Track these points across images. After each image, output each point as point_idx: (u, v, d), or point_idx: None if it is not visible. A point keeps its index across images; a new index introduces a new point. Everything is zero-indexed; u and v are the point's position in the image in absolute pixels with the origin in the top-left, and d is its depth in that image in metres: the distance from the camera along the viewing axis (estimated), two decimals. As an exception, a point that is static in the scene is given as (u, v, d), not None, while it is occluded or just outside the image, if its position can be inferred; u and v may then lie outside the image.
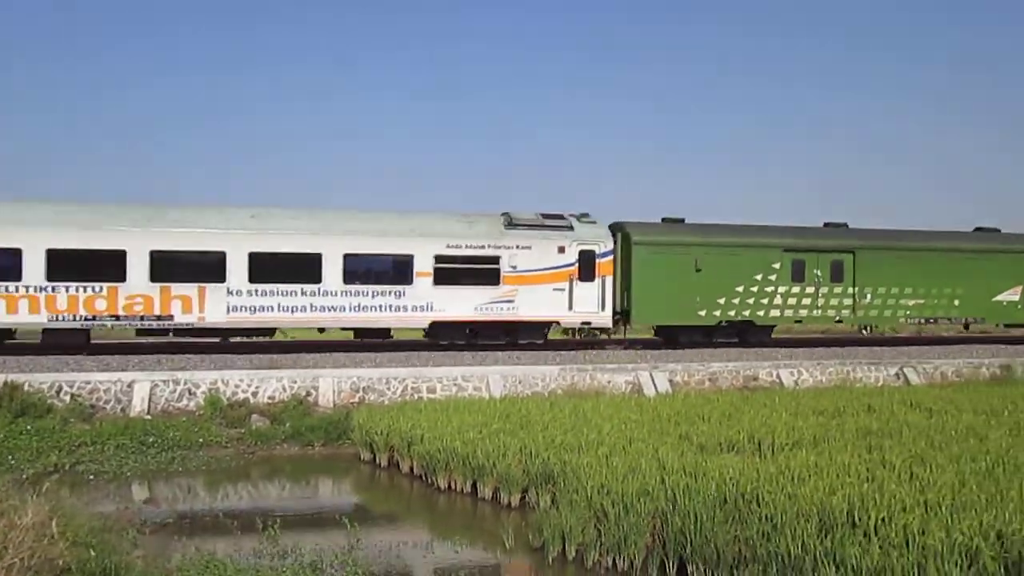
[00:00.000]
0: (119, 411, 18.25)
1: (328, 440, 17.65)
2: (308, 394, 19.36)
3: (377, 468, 15.98)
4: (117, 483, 14.67)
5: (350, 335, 25.04)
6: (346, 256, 23.07)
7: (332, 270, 22.92)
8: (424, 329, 24.44)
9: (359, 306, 23.20)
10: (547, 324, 25.23)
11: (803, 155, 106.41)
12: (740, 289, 26.51)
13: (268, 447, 17.43)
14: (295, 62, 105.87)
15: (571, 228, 25.21)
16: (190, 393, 18.88)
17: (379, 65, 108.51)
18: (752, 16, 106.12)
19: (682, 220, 27.53)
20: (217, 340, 24.14)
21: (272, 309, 22.55)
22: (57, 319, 21.26)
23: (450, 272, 23.85)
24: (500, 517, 12.40)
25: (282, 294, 22.58)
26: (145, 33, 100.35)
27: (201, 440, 17.19)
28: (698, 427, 14.55)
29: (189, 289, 21.99)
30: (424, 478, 14.66)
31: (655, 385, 21.31)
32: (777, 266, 26.87)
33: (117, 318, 21.70)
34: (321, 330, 24.21)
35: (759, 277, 26.70)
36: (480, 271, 24.15)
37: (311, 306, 22.80)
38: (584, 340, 28.17)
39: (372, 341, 25.02)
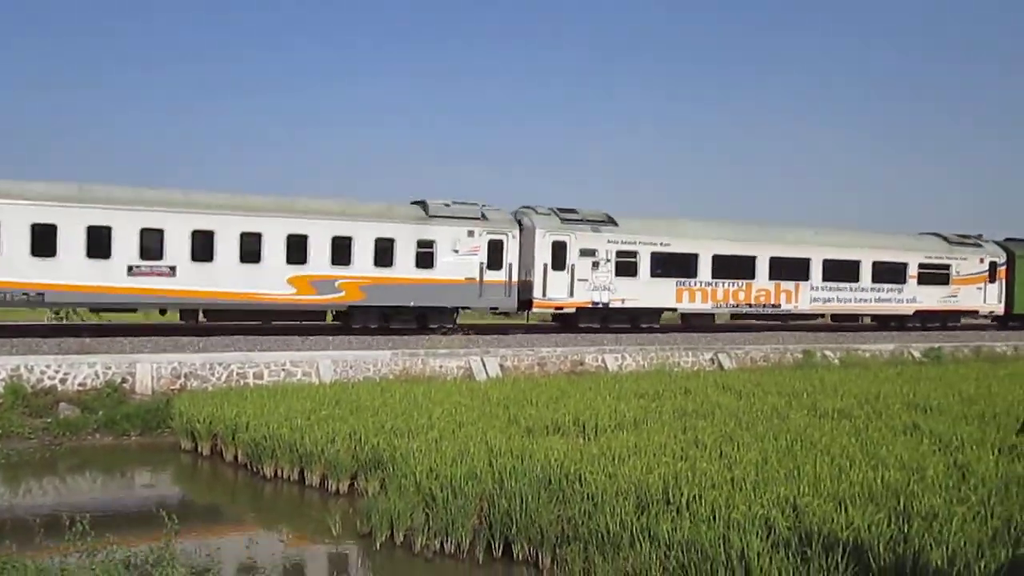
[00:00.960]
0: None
1: (146, 429, 16.76)
2: (124, 380, 18.28)
3: (199, 458, 15.36)
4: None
5: (176, 319, 23.92)
6: (874, 263, 33.14)
7: (865, 273, 32.93)
8: (908, 316, 34.63)
9: (878, 299, 33.41)
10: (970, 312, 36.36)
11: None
12: None
13: (78, 438, 16.36)
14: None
15: (980, 246, 36.23)
16: (-12, 380, 17.42)
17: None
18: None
19: None
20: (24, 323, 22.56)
21: (832, 300, 32.30)
22: (717, 307, 30.00)
23: (930, 275, 34.50)
24: (328, 504, 12.24)
25: (838, 289, 32.35)
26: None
27: None
28: (526, 410, 14.92)
29: (790, 285, 31.01)
30: (249, 467, 14.23)
31: (486, 370, 21.63)
32: None
33: (750, 306, 30.48)
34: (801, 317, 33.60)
35: None
36: (939, 276, 34.88)
37: (853, 298, 32.74)
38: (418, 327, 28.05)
39: (213, 324, 23.95)
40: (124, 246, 21.51)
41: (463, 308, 26.53)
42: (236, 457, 14.63)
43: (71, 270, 21.01)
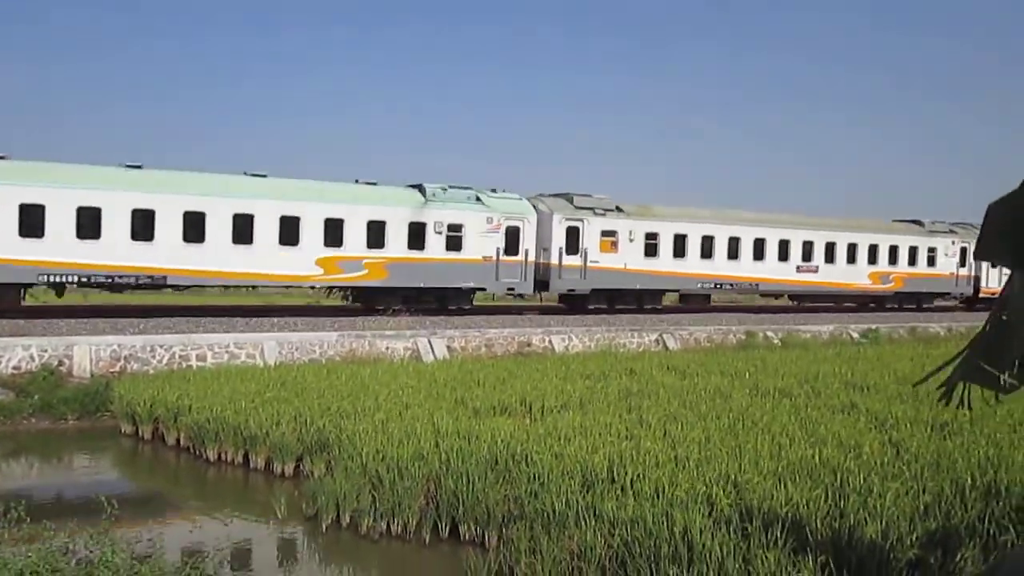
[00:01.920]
0: None
1: (84, 413, 16.38)
2: (61, 363, 17.82)
3: (140, 442, 15.08)
4: None
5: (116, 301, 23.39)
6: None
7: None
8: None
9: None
10: None
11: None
12: None
13: (13, 422, 15.92)
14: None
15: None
16: (-84, 364, 16.85)
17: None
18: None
19: None
20: None
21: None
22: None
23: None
24: (273, 487, 12.14)
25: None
26: None
27: (-71, 416, 15.42)
28: (473, 392, 14.94)
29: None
30: (192, 450, 14.02)
31: (433, 351, 21.59)
32: None
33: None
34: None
35: None
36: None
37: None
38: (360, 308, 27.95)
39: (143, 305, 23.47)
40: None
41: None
42: (178, 441, 14.40)
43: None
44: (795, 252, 33.79)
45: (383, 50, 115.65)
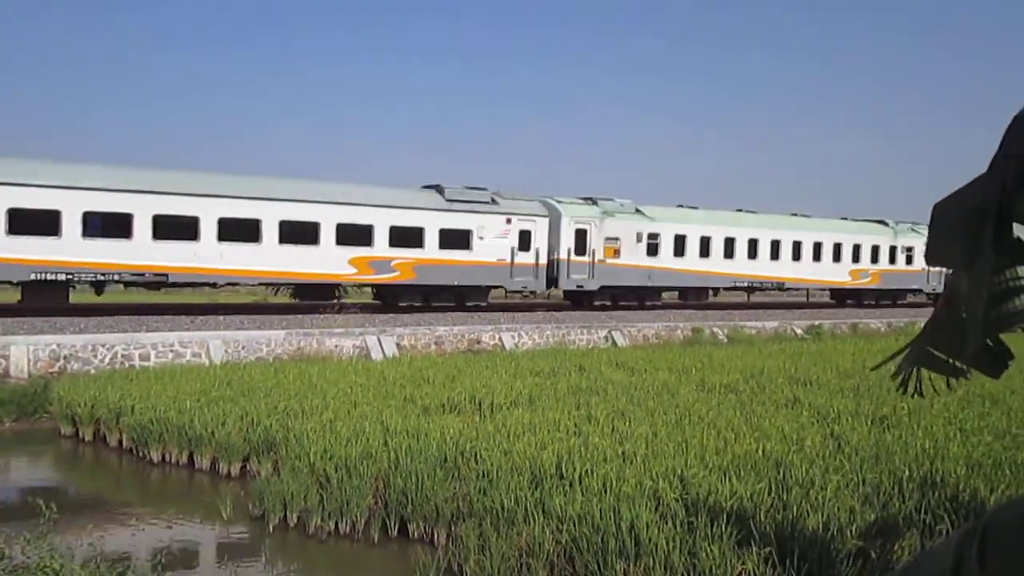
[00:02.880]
0: None
1: (21, 415, 15.94)
2: (-3, 364, 17.35)
3: (81, 443, 14.73)
4: None
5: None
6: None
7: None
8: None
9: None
10: None
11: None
12: None
13: (-54, 425, 15.45)
14: None
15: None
16: None
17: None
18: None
19: None
20: None
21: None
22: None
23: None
24: (219, 488, 11.95)
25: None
26: None
27: None
28: (423, 389, 14.90)
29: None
30: (135, 452, 13.73)
31: (383, 349, 21.47)
32: None
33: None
34: None
35: None
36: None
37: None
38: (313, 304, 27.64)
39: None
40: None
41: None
42: (121, 442, 14.10)
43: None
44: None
45: (401, 50, 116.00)
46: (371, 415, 12.56)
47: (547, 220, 29.62)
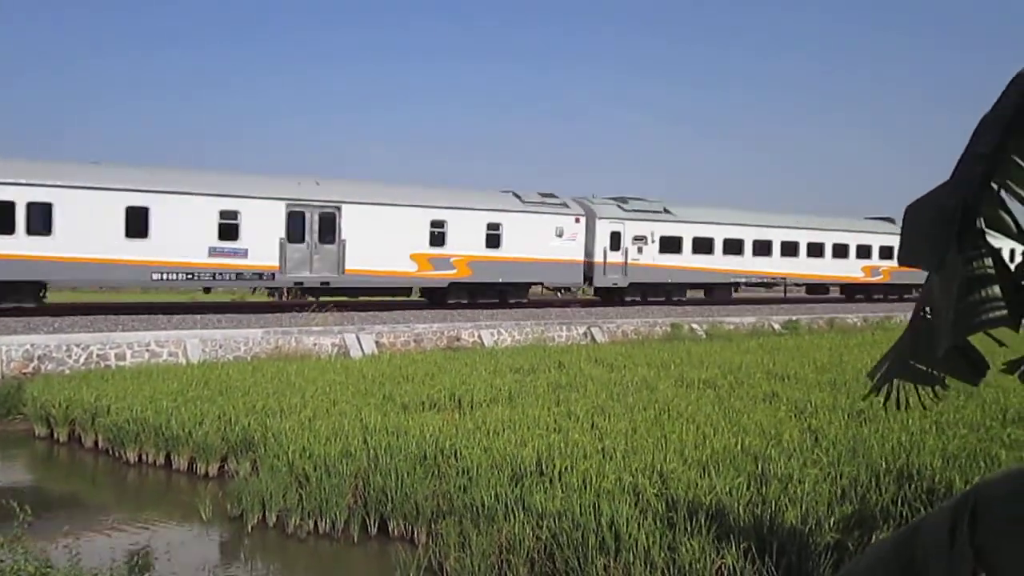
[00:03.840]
0: None
1: (-5, 416, 15.76)
2: (-31, 365, 17.12)
3: (56, 444, 14.56)
4: None
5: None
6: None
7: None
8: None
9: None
10: None
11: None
12: None
13: (-83, 427, 15.23)
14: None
15: None
16: None
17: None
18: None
19: None
20: None
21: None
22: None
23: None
24: (197, 488, 11.86)
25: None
26: None
27: None
28: (402, 387, 14.86)
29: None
30: (111, 452, 13.60)
31: (361, 347, 21.39)
32: None
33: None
34: None
35: None
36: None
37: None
38: (292, 302, 27.55)
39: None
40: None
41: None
42: (96, 443, 13.96)
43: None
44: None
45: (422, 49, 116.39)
46: (350, 413, 12.51)
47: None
